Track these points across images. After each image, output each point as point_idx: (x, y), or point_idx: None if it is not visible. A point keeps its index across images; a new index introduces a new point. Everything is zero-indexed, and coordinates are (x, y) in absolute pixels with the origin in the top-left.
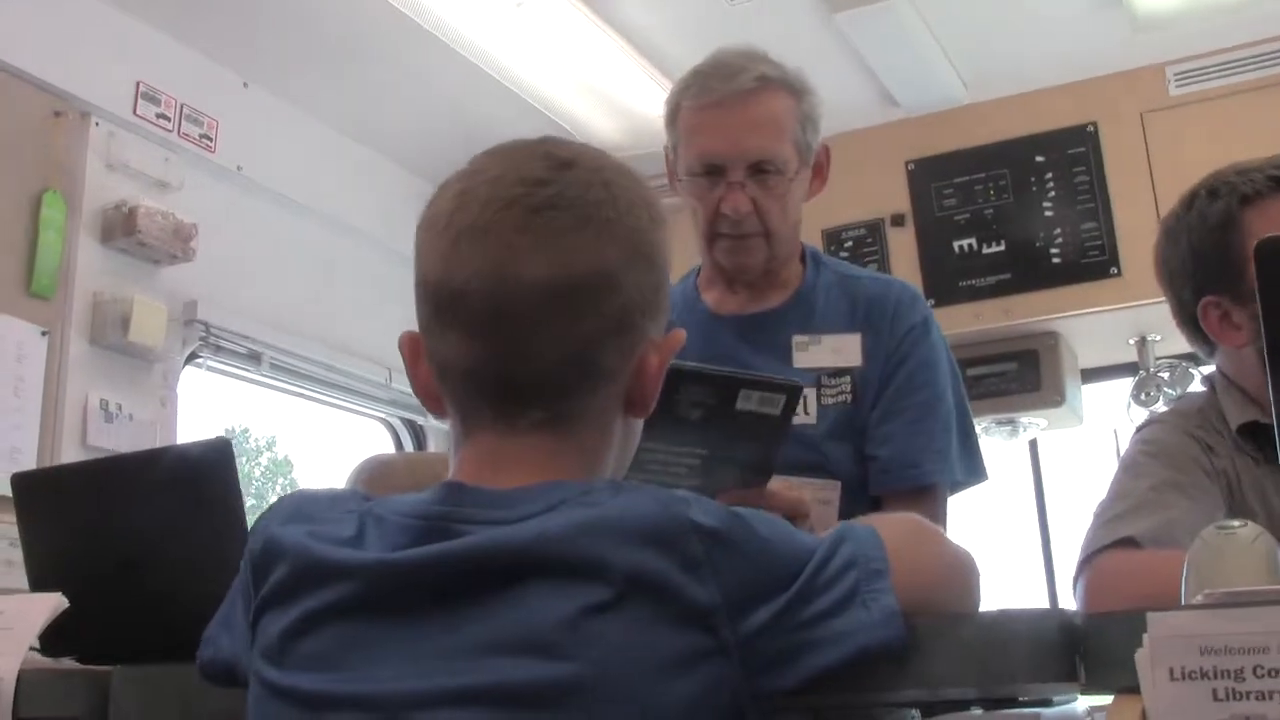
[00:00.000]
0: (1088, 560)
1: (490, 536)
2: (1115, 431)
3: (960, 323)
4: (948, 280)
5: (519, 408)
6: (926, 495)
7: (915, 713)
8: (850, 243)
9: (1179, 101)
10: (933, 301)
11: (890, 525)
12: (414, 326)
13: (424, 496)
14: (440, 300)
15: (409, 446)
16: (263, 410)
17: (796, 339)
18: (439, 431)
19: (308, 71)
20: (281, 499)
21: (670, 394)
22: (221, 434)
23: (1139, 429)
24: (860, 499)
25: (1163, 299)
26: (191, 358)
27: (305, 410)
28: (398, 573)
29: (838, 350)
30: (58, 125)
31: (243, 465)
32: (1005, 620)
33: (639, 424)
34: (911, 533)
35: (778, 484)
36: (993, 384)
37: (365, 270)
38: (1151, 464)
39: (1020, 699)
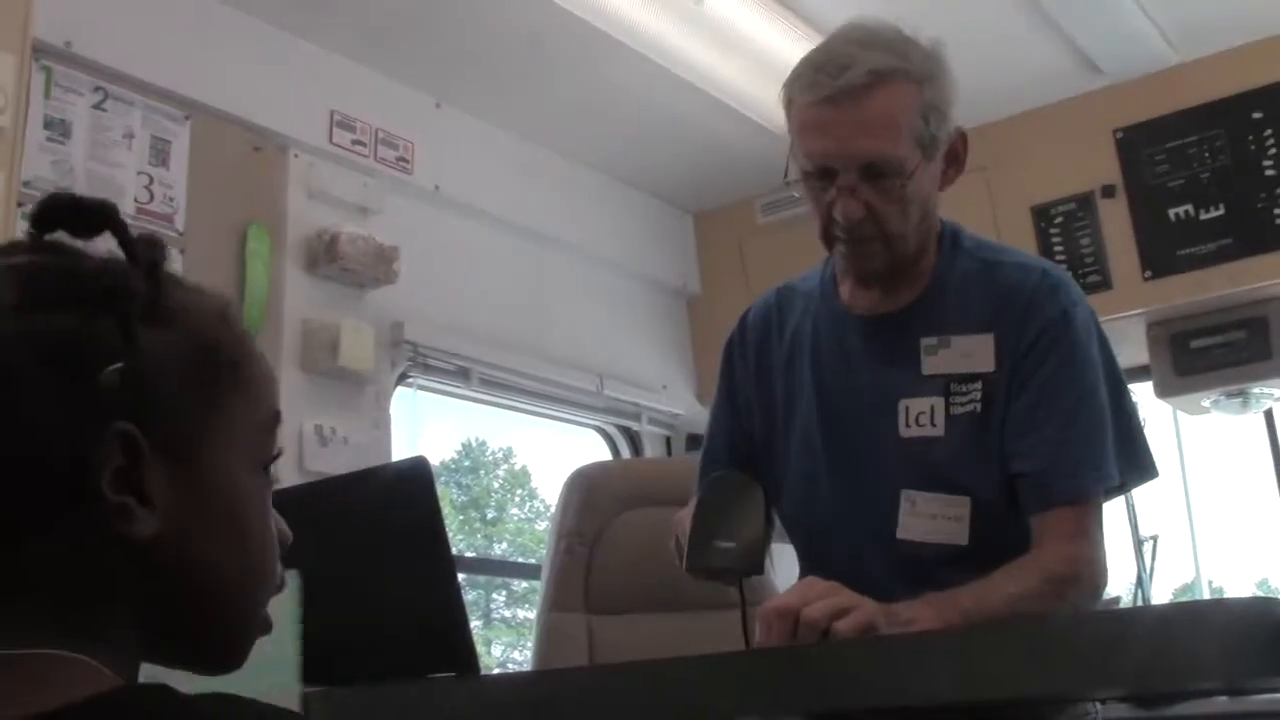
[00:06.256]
0: None
1: None
2: None
3: (1181, 293)
4: (1165, 250)
5: None
6: (1080, 508)
7: (1097, 705)
8: (1060, 218)
9: None
10: (1149, 273)
11: None
12: (619, 330)
13: None
14: None
15: (625, 453)
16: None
17: (924, 342)
18: (654, 437)
19: (497, 87)
20: None
21: None
22: (421, 454)
23: None
24: (993, 515)
25: None
26: (402, 378)
27: (535, 421)
28: None
29: (968, 354)
30: (258, 160)
31: (481, 477)
32: (1184, 614)
33: None
34: None
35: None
36: (1220, 355)
37: (568, 279)
38: None
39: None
